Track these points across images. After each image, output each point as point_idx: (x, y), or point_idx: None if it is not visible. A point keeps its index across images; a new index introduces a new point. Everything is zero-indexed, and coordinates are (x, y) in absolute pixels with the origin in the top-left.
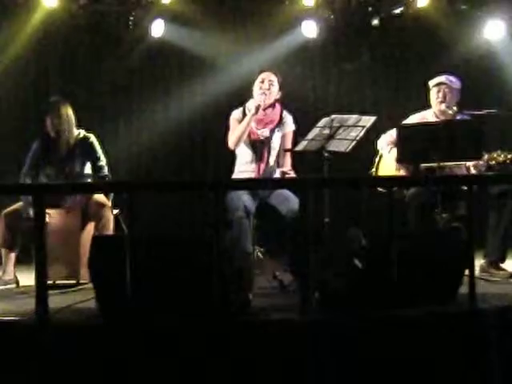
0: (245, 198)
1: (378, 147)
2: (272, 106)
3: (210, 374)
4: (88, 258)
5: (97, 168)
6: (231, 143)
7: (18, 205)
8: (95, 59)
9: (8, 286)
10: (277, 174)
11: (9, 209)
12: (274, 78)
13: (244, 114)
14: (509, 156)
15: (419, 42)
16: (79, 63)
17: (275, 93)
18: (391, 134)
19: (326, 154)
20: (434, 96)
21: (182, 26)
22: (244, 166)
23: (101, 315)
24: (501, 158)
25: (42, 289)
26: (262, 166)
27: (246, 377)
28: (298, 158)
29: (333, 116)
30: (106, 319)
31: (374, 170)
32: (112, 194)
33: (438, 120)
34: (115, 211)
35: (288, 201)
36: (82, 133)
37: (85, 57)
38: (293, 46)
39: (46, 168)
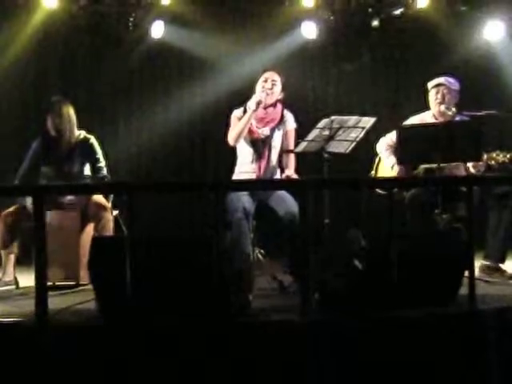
0: (244, 200)
1: (377, 150)
2: (273, 105)
3: (209, 375)
4: (88, 259)
5: (96, 169)
6: (231, 139)
7: (18, 205)
8: (95, 60)
9: (8, 287)
10: (278, 175)
11: (8, 210)
12: (278, 78)
13: (245, 113)
14: (508, 156)
15: (419, 43)
16: (79, 64)
17: (277, 93)
18: (391, 138)
19: (326, 155)
20: (433, 97)
21: (181, 27)
22: (244, 167)
23: (100, 316)
24: (500, 158)
25: (41, 290)
26: (263, 164)
27: (246, 378)
28: (298, 160)
29: (332, 117)
30: (105, 320)
31: (373, 172)
32: (112, 195)
33: (437, 121)
34: (115, 212)
35: (285, 202)
36: (83, 134)
37: (85, 58)
38: (293, 47)
39: (45, 167)
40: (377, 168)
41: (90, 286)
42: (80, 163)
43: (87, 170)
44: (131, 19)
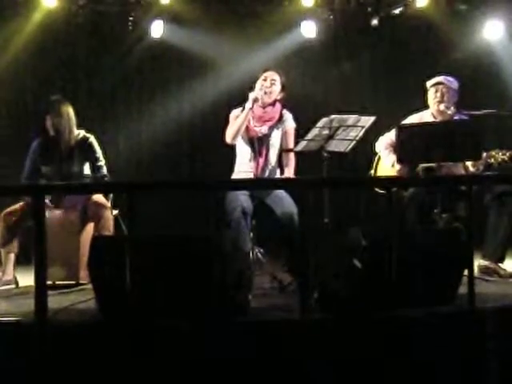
0: (242, 199)
1: (377, 149)
2: (272, 104)
3: (209, 375)
4: (87, 258)
5: (95, 168)
6: (228, 137)
7: (18, 205)
8: (94, 59)
9: (7, 287)
10: (278, 175)
11: (8, 209)
12: (277, 78)
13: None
14: (507, 154)
15: (418, 42)
16: (79, 63)
17: (276, 92)
18: (390, 137)
19: (326, 154)
20: (432, 96)
21: (181, 27)
22: (243, 166)
23: (100, 316)
24: (499, 157)
25: (41, 289)
26: (261, 162)
27: (246, 377)
28: (298, 159)
29: (332, 116)
30: (105, 320)
31: (372, 171)
32: (111, 195)
33: (436, 120)
34: (115, 212)
35: (283, 202)
36: (82, 133)
37: (84, 57)
38: (292, 47)
39: (45, 167)
40: (376, 167)
41: (89, 286)
42: (79, 163)
43: (87, 170)
44: (131, 18)
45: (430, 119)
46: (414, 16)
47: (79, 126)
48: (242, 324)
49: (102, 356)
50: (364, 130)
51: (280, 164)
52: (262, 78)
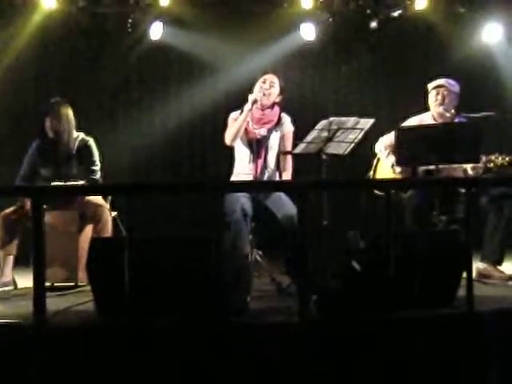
0: (243, 201)
1: (376, 150)
2: (271, 107)
3: (208, 376)
4: (86, 260)
5: (90, 171)
6: (227, 138)
7: (17, 206)
8: (94, 61)
9: (6, 288)
10: (277, 178)
11: (7, 210)
12: (276, 80)
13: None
14: (507, 159)
15: (417, 45)
16: (78, 65)
17: (275, 94)
18: (389, 138)
19: (325, 157)
20: (433, 98)
21: (180, 29)
22: (242, 168)
23: (99, 317)
24: (499, 161)
25: (40, 291)
26: (260, 164)
27: (245, 379)
28: (297, 161)
29: (331, 118)
30: (104, 321)
31: (371, 172)
32: (110, 196)
33: (436, 123)
34: (113, 213)
35: (284, 205)
36: (81, 135)
37: (83, 59)
38: (291, 49)
39: (44, 169)
40: (375, 169)
41: (88, 288)
42: (78, 165)
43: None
44: (130, 20)
45: (431, 122)
46: (412, 18)
47: (79, 128)
48: (240, 326)
49: (101, 358)
50: (363, 132)
51: (278, 167)
52: (261, 80)
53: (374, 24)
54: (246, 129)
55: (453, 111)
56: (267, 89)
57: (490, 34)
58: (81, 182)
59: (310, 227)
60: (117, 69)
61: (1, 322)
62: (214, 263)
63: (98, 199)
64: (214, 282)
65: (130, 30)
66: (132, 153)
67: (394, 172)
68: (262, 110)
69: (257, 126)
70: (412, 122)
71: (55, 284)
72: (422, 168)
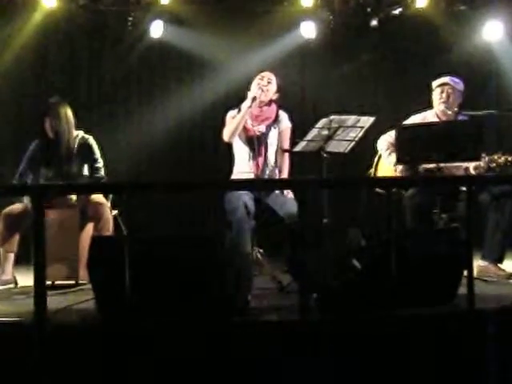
0: (245, 199)
1: (378, 148)
2: (268, 104)
3: (209, 375)
4: (87, 258)
5: (93, 169)
6: (226, 135)
7: (17, 205)
8: (94, 59)
9: (7, 287)
10: (277, 176)
11: (8, 209)
12: (273, 78)
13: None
14: (509, 158)
15: (418, 43)
16: (78, 63)
17: (272, 91)
18: (391, 135)
19: (325, 155)
20: (437, 96)
21: (180, 27)
22: (242, 166)
23: (100, 316)
24: (501, 160)
25: (40, 289)
26: (260, 161)
27: (246, 378)
28: (297, 159)
29: (331, 117)
30: (104, 320)
31: (372, 170)
32: (111, 195)
33: (438, 120)
34: (114, 212)
35: (285, 204)
36: (81, 134)
37: (84, 57)
38: (292, 47)
39: (44, 169)
40: (376, 166)
41: (89, 286)
42: (78, 164)
43: (86, 171)
44: (130, 18)
45: (434, 119)
46: (413, 16)
47: (78, 127)
48: (241, 324)
49: (101, 356)
50: (363, 130)
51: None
52: (259, 77)
53: (374, 22)
54: (244, 127)
55: (455, 109)
56: (265, 85)
57: (490, 31)
58: (83, 181)
59: (311, 225)
60: (117, 67)
61: (1, 320)
62: (216, 261)
63: (98, 198)
64: (214, 281)
65: (130, 28)
66: (132, 151)
67: (395, 171)
68: (260, 107)
69: (255, 123)
70: (415, 119)
71: (56, 282)
72: (423, 167)
